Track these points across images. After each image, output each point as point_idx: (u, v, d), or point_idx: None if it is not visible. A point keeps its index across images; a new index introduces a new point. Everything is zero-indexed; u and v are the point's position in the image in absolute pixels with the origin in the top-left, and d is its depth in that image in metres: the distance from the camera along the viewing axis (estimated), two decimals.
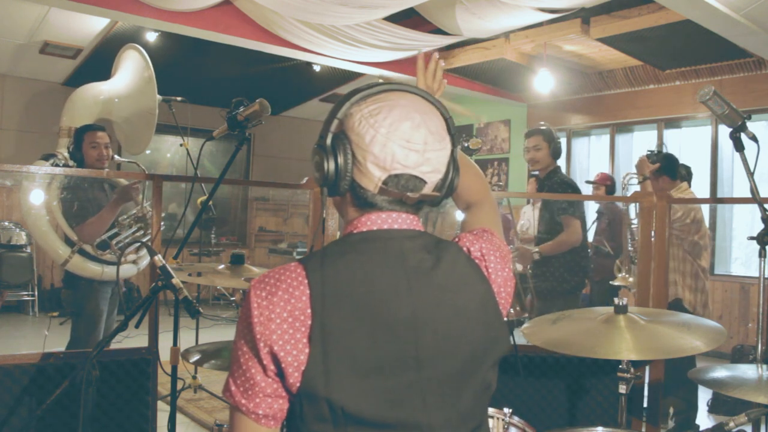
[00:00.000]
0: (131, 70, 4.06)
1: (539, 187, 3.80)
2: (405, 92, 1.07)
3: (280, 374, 0.96)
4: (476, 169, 1.37)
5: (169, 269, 1.78)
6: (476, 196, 1.33)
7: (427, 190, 1.05)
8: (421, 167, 1.02)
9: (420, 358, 0.97)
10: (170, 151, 8.80)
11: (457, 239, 1.13)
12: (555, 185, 3.62)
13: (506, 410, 1.83)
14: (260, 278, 1.01)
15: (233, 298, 8.25)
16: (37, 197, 3.34)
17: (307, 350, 0.94)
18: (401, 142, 1.01)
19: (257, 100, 2.35)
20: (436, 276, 1.02)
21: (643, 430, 2.70)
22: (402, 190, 1.03)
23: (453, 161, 1.08)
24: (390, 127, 1.01)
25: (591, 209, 5.54)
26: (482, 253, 1.10)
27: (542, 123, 3.84)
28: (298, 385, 0.94)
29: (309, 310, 0.95)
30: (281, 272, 1.00)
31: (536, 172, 6.55)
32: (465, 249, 1.10)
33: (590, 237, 4.78)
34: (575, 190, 3.72)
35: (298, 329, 0.95)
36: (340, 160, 1.02)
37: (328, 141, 1.04)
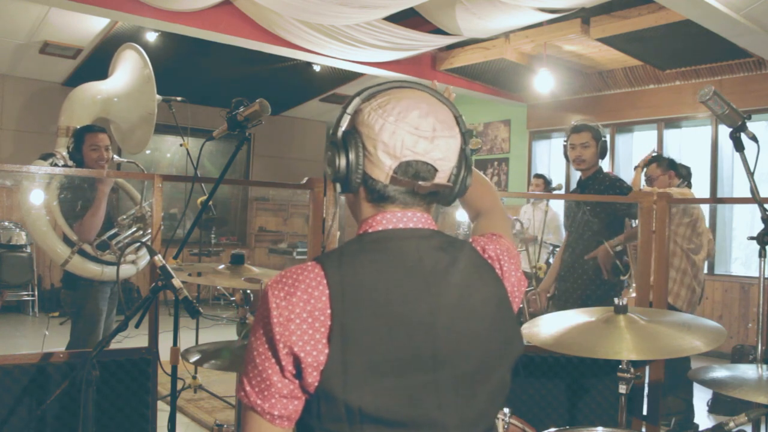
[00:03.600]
0: (130, 70, 4.05)
1: (581, 189, 3.53)
2: (413, 89, 1.09)
3: (299, 375, 0.96)
4: (483, 178, 1.40)
5: (169, 269, 1.78)
6: (486, 204, 1.35)
7: (439, 180, 1.05)
8: (432, 153, 1.03)
9: (437, 358, 0.98)
10: (170, 151, 8.80)
11: (471, 240, 1.14)
12: (608, 189, 3.36)
13: (506, 410, 1.82)
14: (277, 278, 1.00)
15: (233, 298, 8.25)
16: (36, 197, 3.34)
17: (326, 351, 0.94)
18: (410, 129, 1.01)
19: (257, 100, 2.35)
20: (452, 276, 1.02)
21: (643, 430, 2.70)
22: (413, 178, 1.03)
23: (465, 158, 1.09)
24: (398, 115, 1.02)
25: None
26: (496, 254, 1.12)
27: (587, 119, 3.58)
28: (316, 384, 0.95)
29: (329, 311, 0.95)
30: (299, 272, 0.99)
31: (542, 175, 6.56)
32: (479, 248, 1.11)
33: None
34: (629, 188, 3.46)
35: (318, 329, 0.95)
36: (351, 154, 1.03)
37: (339, 136, 1.06)
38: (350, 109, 1.07)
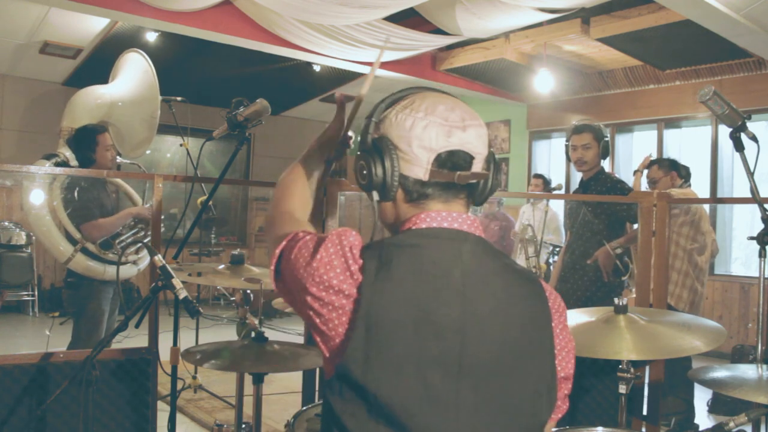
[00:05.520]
0: (134, 76, 4.05)
1: (582, 189, 3.50)
2: (430, 90, 1.12)
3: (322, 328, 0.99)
4: None
5: (169, 269, 1.78)
6: None
7: (475, 169, 1.06)
8: (466, 142, 1.05)
9: (462, 365, 0.96)
10: (170, 151, 8.80)
11: None
12: (610, 191, 3.35)
13: None
14: (338, 235, 1.01)
15: (233, 298, 8.25)
16: (38, 197, 3.35)
17: (346, 326, 0.96)
18: (441, 121, 1.04)
19: (257, 100, 2.35)
20: (493, 283, 1.00)
21: (643, 430, 2.70)
22: (452, 169, 1.03)
23: (492, 153, 1.10)
24: (426, 110, 1.04)
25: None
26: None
27: (587, 119, 3.49)
28: (335, 356, 0.97)
29: (355, 292, 0.96)
30: (349, 247, 0.99)
31: (541, 175, 6.56)
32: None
33: None
34: (630, 189, 3.44)
35: (340, 299, 0.97)
36: (386, 158, 1.04)
37: (369, 143, 1.07)
38: (375, 117, 1.08)
